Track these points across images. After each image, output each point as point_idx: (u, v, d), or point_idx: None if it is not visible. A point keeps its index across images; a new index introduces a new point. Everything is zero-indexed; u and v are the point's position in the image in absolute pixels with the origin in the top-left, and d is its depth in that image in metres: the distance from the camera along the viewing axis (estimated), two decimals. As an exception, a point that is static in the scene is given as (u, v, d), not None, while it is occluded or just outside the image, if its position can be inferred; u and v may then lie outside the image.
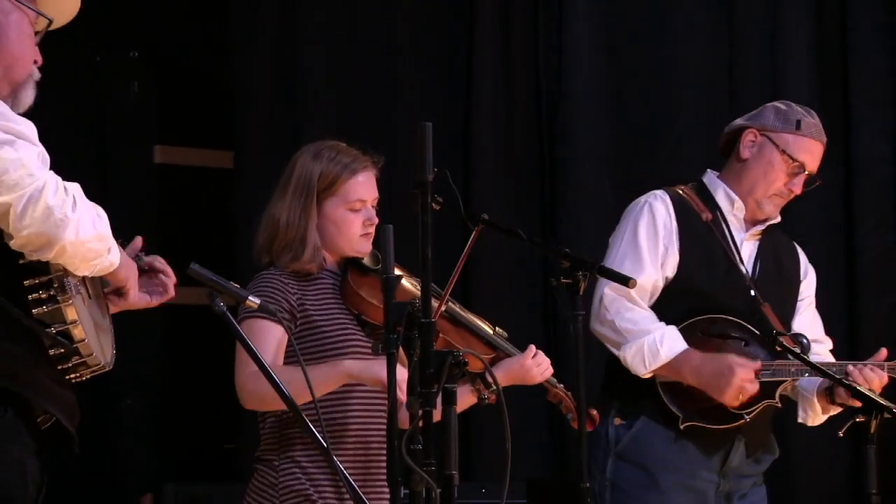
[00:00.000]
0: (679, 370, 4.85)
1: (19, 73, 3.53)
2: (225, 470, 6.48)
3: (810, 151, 4.97)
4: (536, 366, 4.45)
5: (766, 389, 4.85)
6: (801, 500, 6.21)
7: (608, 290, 4.89)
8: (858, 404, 4.73)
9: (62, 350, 3.36)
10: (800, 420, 5.04)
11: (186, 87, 6.97)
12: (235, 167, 6.60)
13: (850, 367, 4.86)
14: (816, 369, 4.77)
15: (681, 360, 4.83)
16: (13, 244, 3.27)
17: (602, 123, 6.44)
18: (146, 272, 3.66)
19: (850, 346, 6.20)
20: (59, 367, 3.39)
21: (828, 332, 5.18)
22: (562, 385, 4.54)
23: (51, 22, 3.59)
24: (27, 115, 3.46)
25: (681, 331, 4.88)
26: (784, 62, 6.32)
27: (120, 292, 3.56)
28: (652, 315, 4.90)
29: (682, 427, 4.87)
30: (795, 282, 5.11)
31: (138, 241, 3.64)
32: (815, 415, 5.01)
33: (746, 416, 4.85)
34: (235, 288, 3.71)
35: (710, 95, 6.38)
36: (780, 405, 4.90)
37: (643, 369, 4.87)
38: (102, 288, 3.58)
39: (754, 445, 4.97)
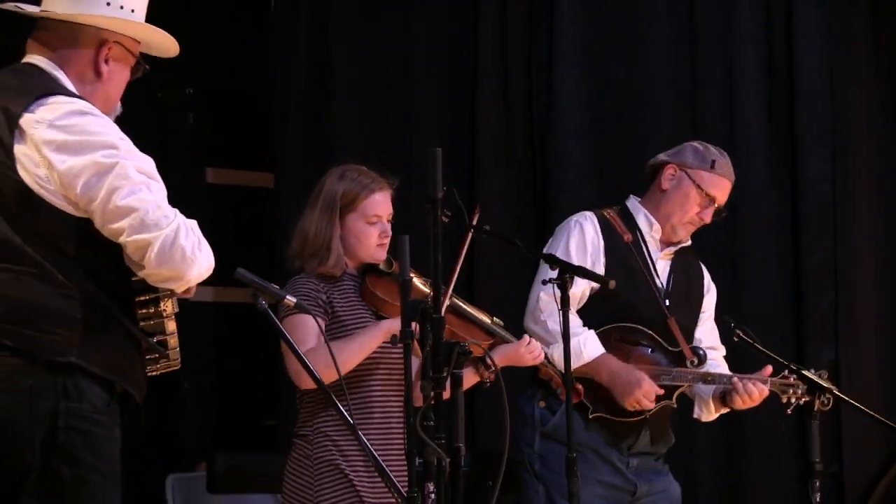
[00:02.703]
0: (598, 371, 4.80)
1: (110, 108, 3.54)
2: (266, 442, 6.49)
3: (721, 188, 4.95)
4: (529, 352, 4.46)
5: (666, 392, 4.83)
6: (755, 469, 6.21)
7: (544, 295, 4.82)
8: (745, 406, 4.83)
9: (156, 354, 3.39)
10: (694, 416, 5.03)
11: (234, 118, 6.98)
12: (275, 187, 6.62)
13: (735, 379, 4.84)
14: (713, 378, 4.82)
15: (600, 363, 4.80)
16: (142, 274, 3.26)
17: (586, 149, 6.43)
18: None
19: (796, 336, 6.21)
20: (148, 366, 3.42)
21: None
22: (551, 365, 4.55)
23: (147, 67, 3.61)
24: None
25: (598, 335, 4.83)
26: (740, 98, 6.32)
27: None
28: (579, 321, 4.83)
29: (590, 416, 4.84)
30: (699, 297, 5.07)
31: None
32: (708, 413, 5.00)
33: (646, 414, 4.84)
34: (275, 289, 3.72)
35: (677, 128, 6.38)
36: (675, 405, 4.88)
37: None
38: None
39: (657, 435, 4.95)
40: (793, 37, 6.34)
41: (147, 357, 3.40)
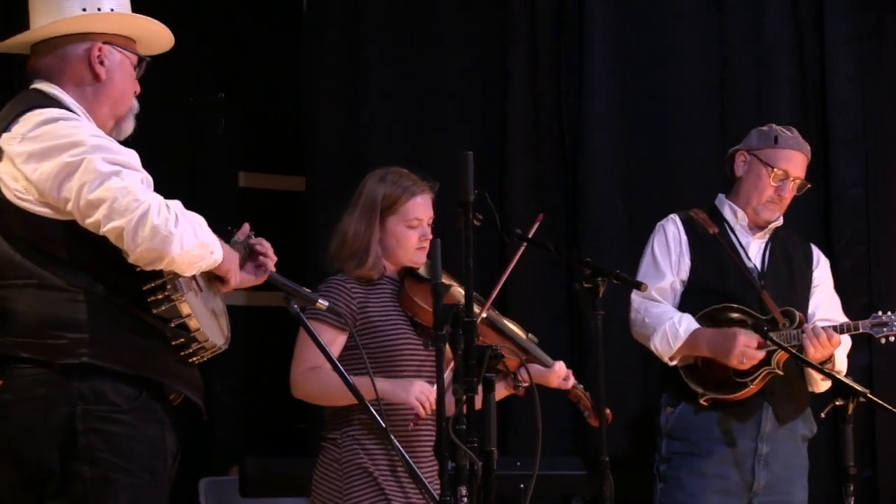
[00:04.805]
0: (695, 343, 4.94)
1: (122, 108, 3.55)
2: (297, 446, 6.48)
3: (790, 159, 5.10)
4: (558, 378, 4.46)
5: (765, 359, 4.91)
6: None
7: (635, 296, 5.04)
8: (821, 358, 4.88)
9: (182, 339, 3.38)
10: (810, 390, 5.10)
11: (265, 122, 6.99)
12: (306, 190, 6.62)
13: (805, 326, 4.95)
14: (778, 344, 4.86)
15: (696, 335, 4.94)
16: (130, 259, 3.28)
17: (616, 155, 6.42)
18: (251, 255, 3.64)
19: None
20: (182, 353, 3.40)
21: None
22: (581, 386, 4.54)
23: (149, 59, 3.60)
24: (131, 143, 3.47)
25: (697, 319, 4.97)
26: (771, 102, 6.30)
27: (222, 279, 3.55)
28: (673, 309, 5.01)
29: (702, 401, 4.94)
30: (807, 271, 5.18)
31: (246, 228, 3.65)
32: (814, 382, 5.07)
33: (751, 384, 4.92)
34: (307, 292, 3.72)
35: (708, 131, 6.36)
36: (781, 373, 4.94)
37: (669, 349, 4.96)
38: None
39: (784, 415, 5.01)
40: (824, 42, 6.32)
41: (174, 344, 3.38)
